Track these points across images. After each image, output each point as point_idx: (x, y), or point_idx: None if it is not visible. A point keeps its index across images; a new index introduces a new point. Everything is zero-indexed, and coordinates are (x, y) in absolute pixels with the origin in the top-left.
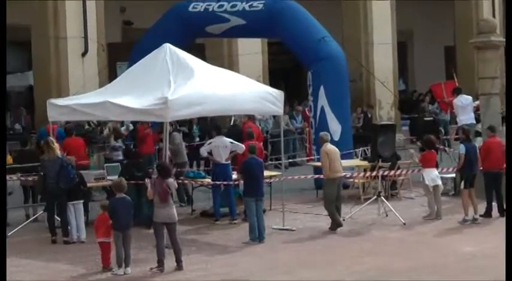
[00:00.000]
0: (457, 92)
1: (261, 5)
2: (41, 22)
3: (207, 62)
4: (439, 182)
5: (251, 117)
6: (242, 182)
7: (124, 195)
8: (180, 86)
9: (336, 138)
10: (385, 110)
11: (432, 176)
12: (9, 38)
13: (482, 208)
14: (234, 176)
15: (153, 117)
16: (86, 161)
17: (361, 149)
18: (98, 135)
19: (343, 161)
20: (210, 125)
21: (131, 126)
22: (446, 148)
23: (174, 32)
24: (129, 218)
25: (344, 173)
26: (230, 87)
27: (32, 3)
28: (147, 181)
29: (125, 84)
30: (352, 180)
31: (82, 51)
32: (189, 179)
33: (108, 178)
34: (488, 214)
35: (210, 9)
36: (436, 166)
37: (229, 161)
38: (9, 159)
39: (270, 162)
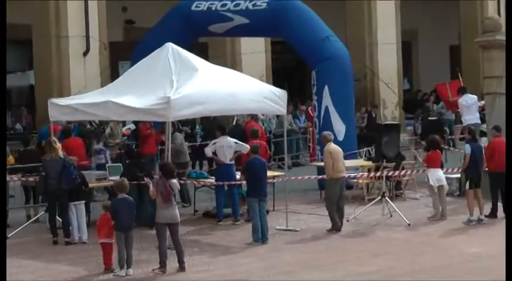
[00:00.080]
0: (462, 91)
1: (264, 4)
2: (42, 21)
3: (210, 61)
4: (444, 183)
5: (254, 117)
6: (245, 182)
7: (126, 195)
8: (182, 86)
9: (340, 138)
10: (390, 109)
11: (437, 176)
12: (10, 37)
13: (487, 208)
14: (238, 176)
15: (155, 117)
16: (86, 161)
17: (365, 149)
18: (100, 135)
19: (347, 161)
20: (214, 125)
21: (133, 126)
22: (451, 148)
23: (176, 31)
24: (131, 218)
25: (347, 174)
26: (233, 86)
27: (33, 2)
28: (147, 179)
29: (126, 84)
30: (356, 180)
31: (84, 50)
32: (192, 179)
33: (110, 178)
34: (493, 214)
35: (213, 8)
36: (441, 166)
37: (233, 162)
38: (10, 159)
39: (273, 162)
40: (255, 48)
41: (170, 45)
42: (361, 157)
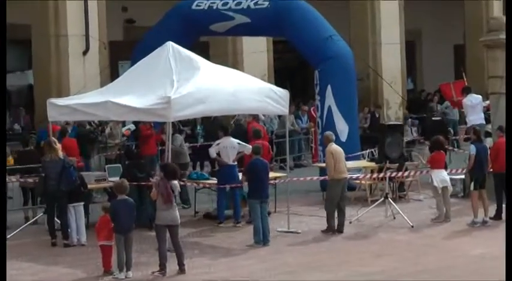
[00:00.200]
0: (466, 91)
1: (266, 3)
2: (41, 20)
3: (211, 61)
4: (448, 184)
5: (255, 117)
6: (246, 183)
7: (126, 197)
8: (183, 85)
9: (343, 138)
10: (393, 110)
11: (441, 177)
12: (9, 36)
13: (492, 210)
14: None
15: (156, 117)
16: (80, 163)
17: (368, 150)
18: (99, 135)
19: (350, 162)
20: (215, 125)
21: (133, 127)
22: (455, 149)
23: (177, 31)
24: (131, 220)
25: (350, 175)
26: (234, 86)
27: (32, 2)
28: (152, 179)
29: (126, 84)
30: (359, 181)
31: (83, 49)
32: (192, 180)
33: (110, 179)
34: (498, 216)
35: (214, 7)
36: (445, 167)
37: (235, 162)
38: (10, 160)
39: (275, 163)
40: (256, 48)
41: (171, 45)
42: (364, 158)
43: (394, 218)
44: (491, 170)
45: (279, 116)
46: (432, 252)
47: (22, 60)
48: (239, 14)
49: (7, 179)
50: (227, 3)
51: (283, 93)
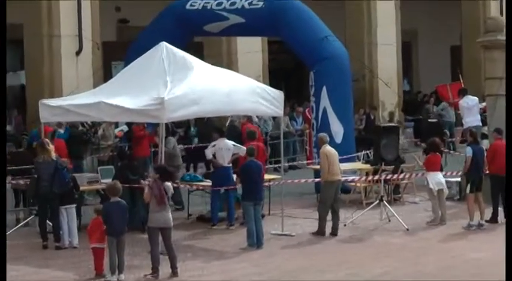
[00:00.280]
0: (462, 93)
1: (261, 3)
2: (34, 20)
3: (205, 61)
4: (444, 187)
5: (249, 118)
6: (240, 185)
7: (119, 199)
8: (176, 86)
9: (338, 140)
10: (389, 111)
11: (437, 180)
12: None
13: (488, 213)
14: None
15: (149, 118)
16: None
17: (363, 152)
18: (92, 136)
19: (344, 164)
20: (209, 127)
21: (126, 128)
22: (451, 151)
23: (171, 31)
24: (124, 223)
25: (345, 177)
26: (229, 87)
27: (25, 1)
28: (144, 182)
29: (120, 85)
30: (354, 184)
31: (76, 50)
32: (186, 182)
33: (102, 181)
34: (494, 219)
35: (208, 7)
36: (441, 169)
37: (230, 164)
38: None
39: (269, 165)
40: (251, 48)
41: (164, 45)
42: (359, 160)
43: (389, 221)
44: (488, 172)
45: (274, 118)
46: (427, 256)
47: (14, 61)
48: (233, 14)
49: None
50: (221, 3)
51: (277, 95)
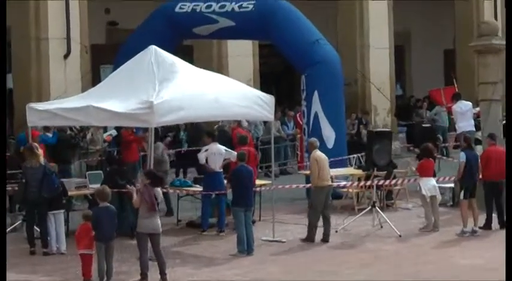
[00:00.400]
0: (456, 97)
1: (251, 6)
2: (21, 22)
3: (195, 65)
4: (437, 193)
5: (239, 123)
6: (231, 191)
7: (108, 204)
8: (166, 90)
9: (330, 145)
10: (381, 116)
11: (429, 185)
12: None
13: (482, 219)
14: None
15: (138, 123)
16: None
17: (355, 155)
18: (81, 141)
19: (337, 169)
20: (199, 131)
21: (115, 132)
22: (444, 157)
23: (160, 33)
24: (113, 228)
25: (337, 182)
26: (218, 91)
27: (12, 2)
28: (130, 187)
29: (108, 89)
30: (345, 189)
31: (64, 53)
32: (175, 187)
33: (90, 186)
34: (488, 225)
35: (198, 10)
36: (434, 175)
37: (221, 169)
38: None
39: (260, 170)
40: (242, 52)
41: (154, 48)
42: (351, 165)
43: (382, 227)
44: (481, 178)
45: (264, 122)
46: (420, 262)
47: None
48: (223, 17)
49: None
50: (211, 6)
51: (268, 99)
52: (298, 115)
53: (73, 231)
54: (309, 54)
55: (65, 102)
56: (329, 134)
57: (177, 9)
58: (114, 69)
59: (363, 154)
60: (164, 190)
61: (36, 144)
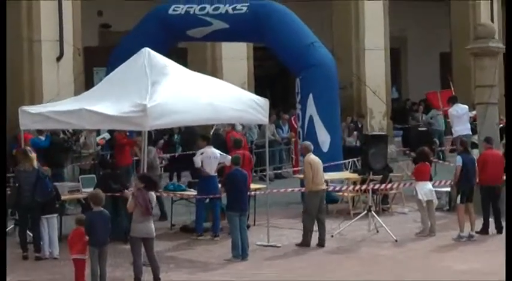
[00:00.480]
0: (452, 101)
1: (245, 8)
2: (13, 24)
3: (189, 67)
4: (434, 197)
5: (233, 126)
6: (225, 195)
7: (102, 208)
8: (159, 94)
9: (325, 149)
10: (377, 119)
11: (426, 190)
12: None
13: (478, 224)
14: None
15: (131, 126)
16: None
17: (350, 160)
18: (74, 144)
19: (332, 173)
20: (193, 135)
21: (108, 136)
22: (440, 161)
23: (154, 36)
24: (107, 233)
25: (332, 186)
26: (213, 94)
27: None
28: (127, 191)
29: (102, 92)
30: (341, 194)
31: (57, 55)
32: (169, 191)
33: (83, 190)
34: (485, 230)
35: (191, 12)
36: (430, 179)
37: (216, 173)
38: None
39: (254, 174)
40: (236, 54)
41: (147, 51)
42: (347, 169)
43: (378, 231)
44: (477, 182)
45: (259, 126)
46: (416, 267)
47: None
48: (217, 20)
49: None
50: (204, 8)
51: (262, 102)
52: (293, 118)
53: (66, 236)
54: (303, 57)
55: (57, 105)
56: (324, 137)
57: (170, 11)
58: (108, 71)
59: (358, 158)
60: (158, 194)
61: (29, 147)
